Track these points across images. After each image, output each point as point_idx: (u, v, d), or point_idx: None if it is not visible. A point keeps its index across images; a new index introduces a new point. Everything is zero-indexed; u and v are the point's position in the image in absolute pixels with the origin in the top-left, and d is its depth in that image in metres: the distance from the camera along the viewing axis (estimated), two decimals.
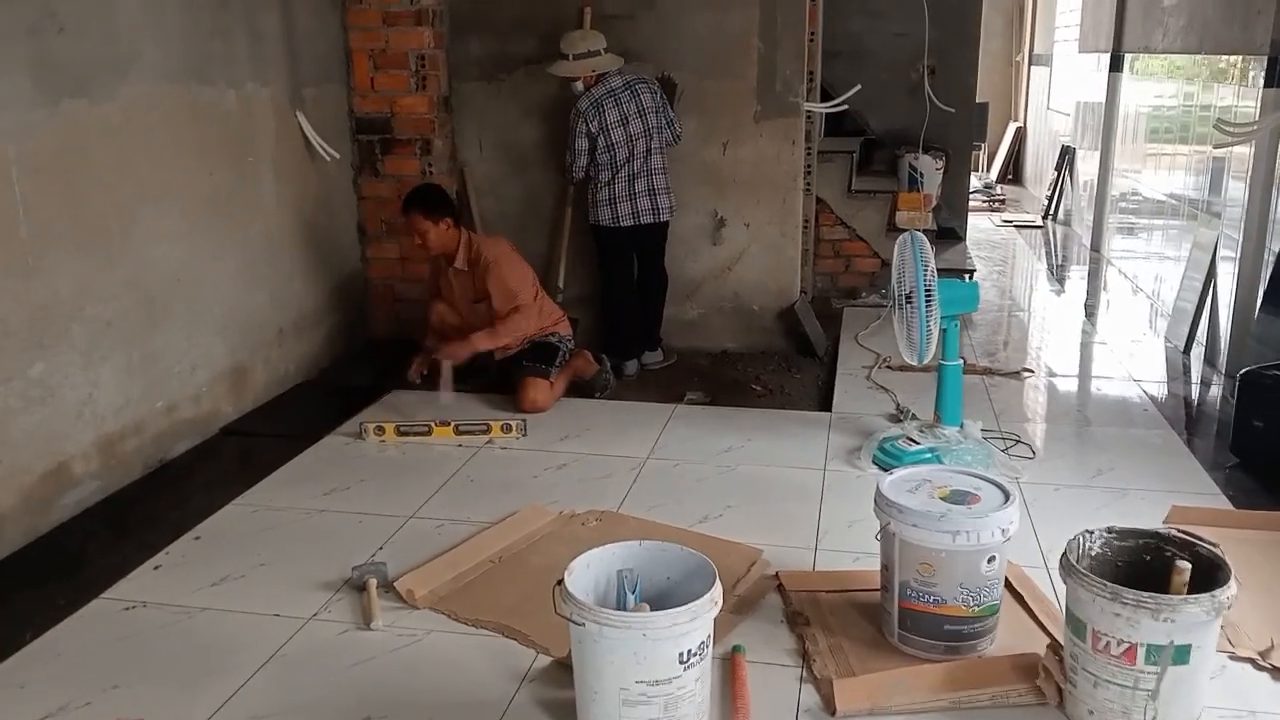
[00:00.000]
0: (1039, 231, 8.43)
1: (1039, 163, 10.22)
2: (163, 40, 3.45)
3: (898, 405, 3.99)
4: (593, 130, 4.34)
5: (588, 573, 2.11)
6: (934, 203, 5.73)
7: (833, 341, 4.96)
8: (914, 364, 3.39)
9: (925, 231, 5.67)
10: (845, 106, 5.06)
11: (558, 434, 3.77)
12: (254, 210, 4.01)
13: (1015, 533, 2.29)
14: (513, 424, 3.75)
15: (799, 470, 3.42)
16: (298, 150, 4.29)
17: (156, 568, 2.82)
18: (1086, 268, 7.05)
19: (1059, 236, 8.25)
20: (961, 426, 3.45)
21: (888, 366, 4.50)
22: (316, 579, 2.72)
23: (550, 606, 1.98)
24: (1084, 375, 4.73)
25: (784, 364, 4.72)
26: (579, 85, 4.36)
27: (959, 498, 2.32)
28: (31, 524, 2.99)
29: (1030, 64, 11.03)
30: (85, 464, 3.19)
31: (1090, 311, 5.88)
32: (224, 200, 3.82)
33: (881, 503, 2.33)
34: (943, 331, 3.35)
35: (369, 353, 4.65)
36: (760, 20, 4.55)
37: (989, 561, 2.26)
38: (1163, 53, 5.94)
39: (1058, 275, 7.07)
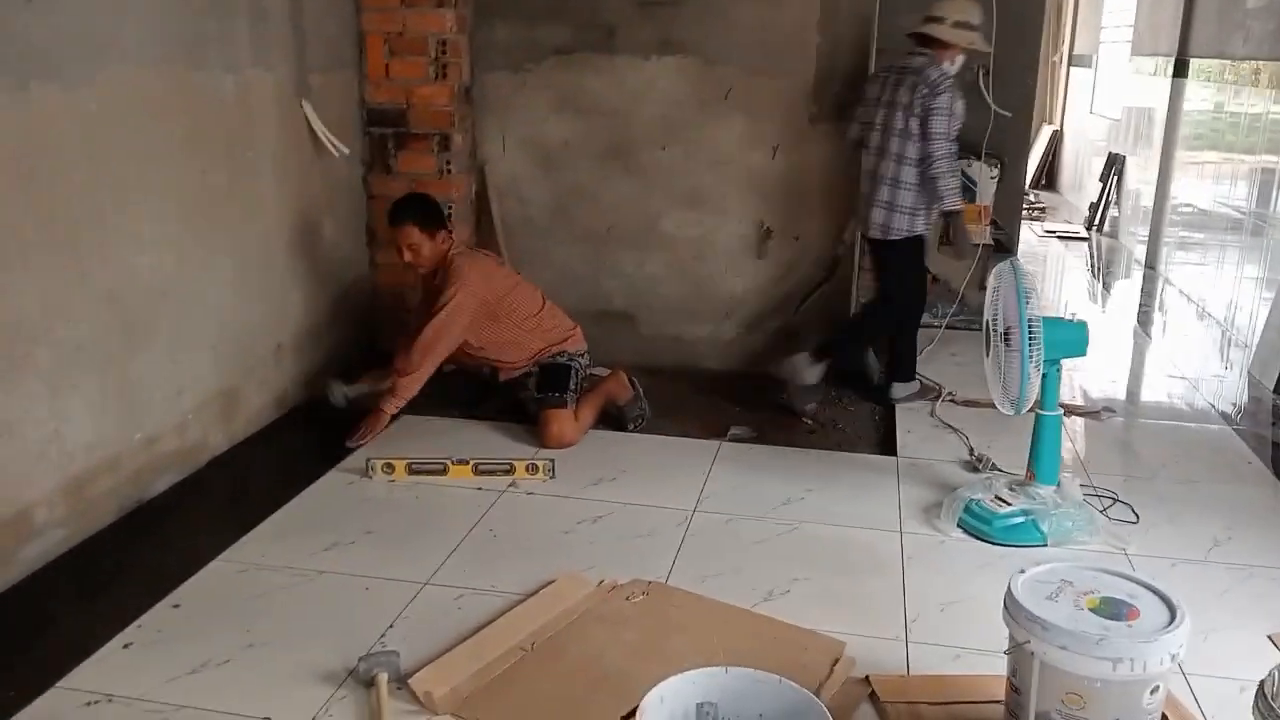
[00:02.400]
0: (1084, 243, 7.97)
1: (1078, 169, 9.76)
2: (149, 17, 2.98)
3: (971, 450, 3.55)
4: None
5: (661, 709, 1.67)
6: (991, 215, 5.27)
7: (884, 368, 4.51)
8: (1008, 413, 2.94)
9: (982, 246, 5.28)
10: None
11: (590, 476, 3.32)
12: (251, 212, 3.55)
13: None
14: (539, 464, 3.30)
15: (872, 532, 2.97)
16: (302, 144, 3.83)
17: (127, 646, 2.37)
18: (1141, 285, 6.60)
19: (1105, 249, 7.79)
20: (1058, 485, 3.00)
21: (951, 400, 4.05)
22: (315, 668, 2.28)
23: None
24: (1168, 416, 4.27)
25: (834, 393, 4.27)
26: (940, 61, 3.74)
27: (1113, 609, 1.88)
28: None
29: (1069, 65, 10.55)
30: (49, 510, 2.74)
31: (1155, 336, 5.43)
32: (217, 201, 3.36)
33: (1017, 613, 1.89)
34: (1042, 377, 2.90)
35: (376, 369, 4.18)
36: (820, 13, 4.09)
37: (1152, 693, 1.83)
38: (1244, 58, 5.48)
39: (1114, 294, 6.62)
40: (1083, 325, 2.90)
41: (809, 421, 3.95)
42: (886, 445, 3.69)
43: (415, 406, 3.90)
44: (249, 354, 3.59)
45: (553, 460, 3.31)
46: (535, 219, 4.55)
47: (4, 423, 2.57)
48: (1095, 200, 8.35)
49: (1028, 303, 2.79)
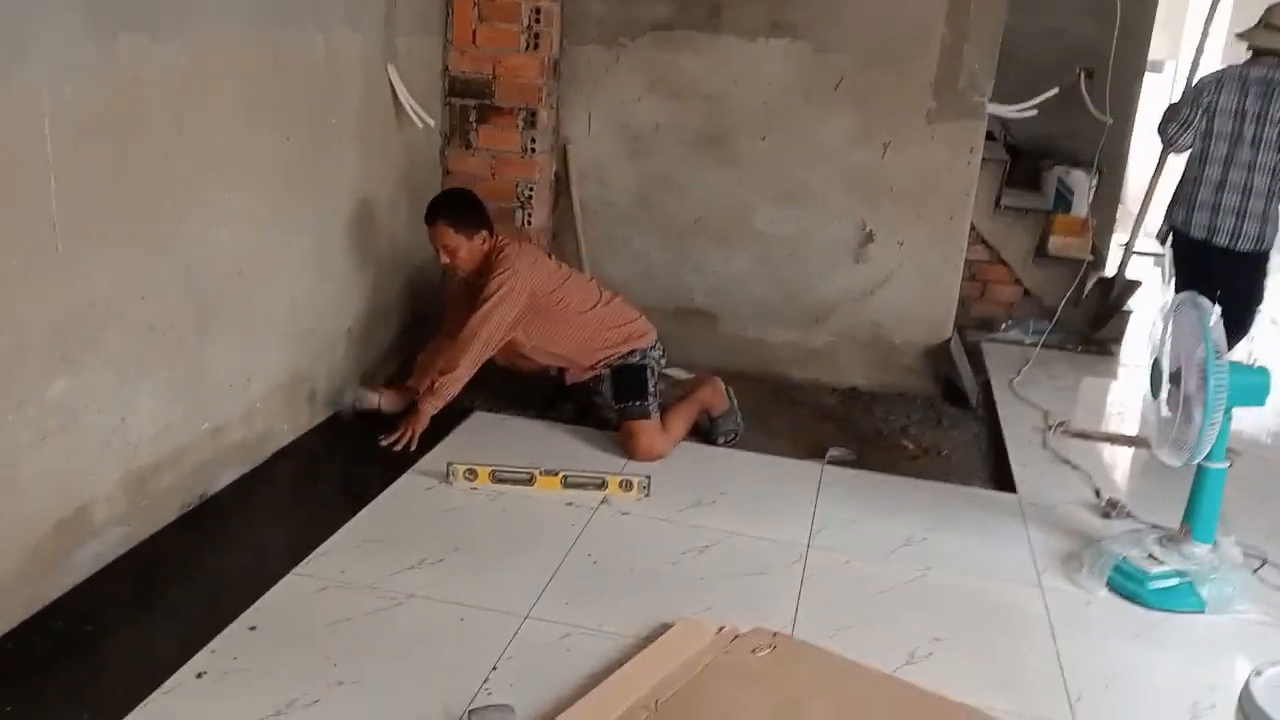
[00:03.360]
0: (1162, 259, 7.63)
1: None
2: None
3: (1098, 493, 3.27)
4: (1204, 104, 3.86)
5: None
6: (1092, 228, 4.97)
7: (981, 387, 4.23)
8: (1173, 463, 2.65)
9: (1076, 261, 4.98)
10: (1035, 111, 4.30)
11: (687, 496, 3.05)
12: (331, 185, 3.27)
13: None
14: (633, 481, 3.03)
15: (1009, 586, 2.70)
16: (385, 113, 3.53)
17: (201, 675, 2.11)
18: None
19: None
20: (1215, 544, 2.72)
21: (1064, 432, 3.77)
22: (416, 716, 2.02)
23: None
24: None
25: (930, 412, 4.00)
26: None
27: None
28: (36, 591, 2.28)
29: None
30: (109, 507, 2.48)
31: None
32: (299, 172, 3.07)
33: None
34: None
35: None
36: (950, 3, 3.77)
37: None
38: None
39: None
40: (1264, 372, 2.61)
41: (909, 445, 3.67)
42: (1001, 480, 3.41)
43: (491, 402, 3.65)
44: (319, 339, 3.32)
45: (648, 478, 3.04)
46: (617, 205, 4.26)
47: (68, 412, 2.30)
48: None
49: (1215, 350, 2.49)
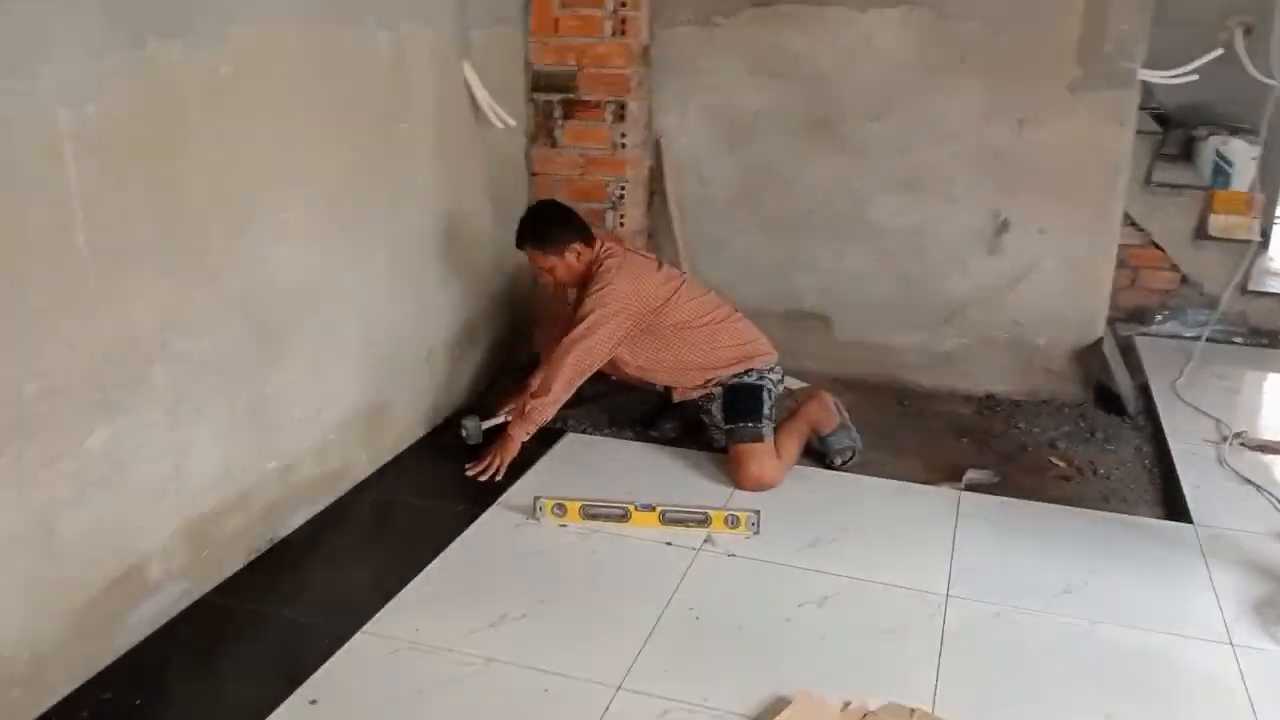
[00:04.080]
0: None
1: None
2: None
3: None
4: None
5: None
6: (1261, 204, 4.35)
7: (1139, 391, 3.72)
8: None
9: (1249, 244, 4.38)
10: (1195, 76, 3.75)
11: (802, 534, 2.68)
12: (405, 195, 3.01)
13: None
14: (740, 516, 2.68)
15: (1194, 644, 2.25)
16: (461, 114, 3.26)
17: None
18: None
19: None
20: None
21: (1243, 444, 3.25)
22: None
23: None
24: None
25: (1081, 423, 3.51)
26: None
27: None
28: (86, 658, 2.08)
29: None
30: (166, 563, 2.27)
31: None
32: (368, 182, 2.82)
33: None
34: None
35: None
36: None
37: None
38: None
39: None
40: None
41: (1059, 464, 3.22)
42: (1172, 505, 2.93)
43: (585, 419, 3.36)
44: (397, 361, 3.07)
45: (757, 513, 2.68)
46: (716, 201, 3.90)
47: (113, 462, 2.09)
48: None
49: None
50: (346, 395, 2.84)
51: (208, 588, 2.39)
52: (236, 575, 2.46)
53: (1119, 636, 2.26)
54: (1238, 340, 4.29)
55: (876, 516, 2.79)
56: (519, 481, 2.95)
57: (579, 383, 3.02)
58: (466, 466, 3.01)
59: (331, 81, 2.62)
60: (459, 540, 2.63)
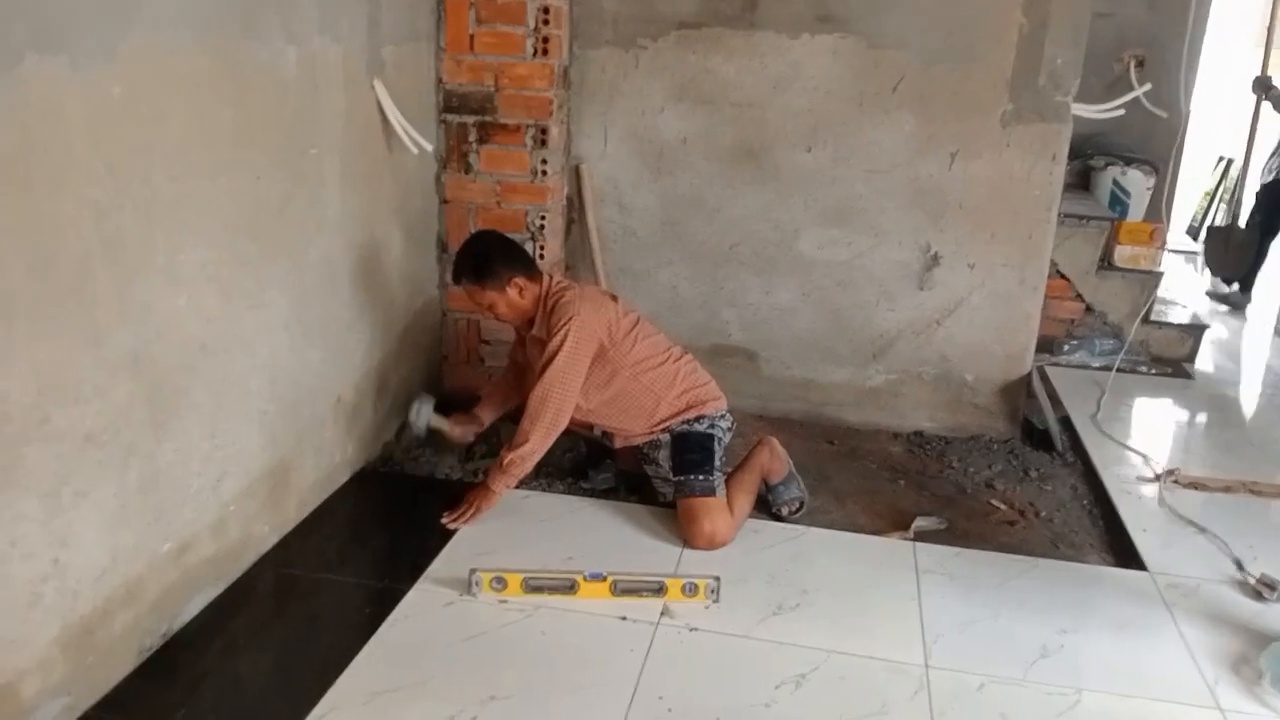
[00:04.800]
0: (1196, 258, 7.16)
1: None
2: None
3: (1239, 565, 2.75)
4: None
5: None
6: (1166, 235, 4.45)
7: (1059, 423, 3.71)
8: None
9: (1152, 274, 4.48)
10: (1122, 111, 3.77)
11: (765, 600, 2.49)
12: (312, 227, 2.69)
13: None
14: (698, 584, 2.47)
15: (1181, 710, 2.17)
16: (373, 138, 2.96)
17: None
18: None
19: None
20: None
21: (1175, 483, 3.25)
22: None
23: None
24: None
25: (1013, 460, 3.47)
26: None
27: None
28: None
29: None
30: (44, 677, 1.90)
31: None
32: (273, 215, 2.49)
33: None
34: None
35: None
36: None
37: None
38: None
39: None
40: None
41: (1001, 506, 3.15)
42: (1120, 550, 2.89)
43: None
44: (303, 415, 2.74)
45: (716, 579, 2.48)
46: (639, 232, 3.70)
47: None
48: (1203, 207, 7.54)
49: None
50: (247, 459, 2.50)
51: (94, 699, 2.03)
52: (127, 681, 2.11)
53: (1110, 707, 2.16)
54: (1143, 369, 4.36)
55: (835, 575, 2.64)
56: (446, 548, 2.67)
57: (560, 427, 2.77)
58: (443, 517, 2.76)
59: (234, 104, 2.29)
60: (385, 626, 2.32)
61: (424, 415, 2.95)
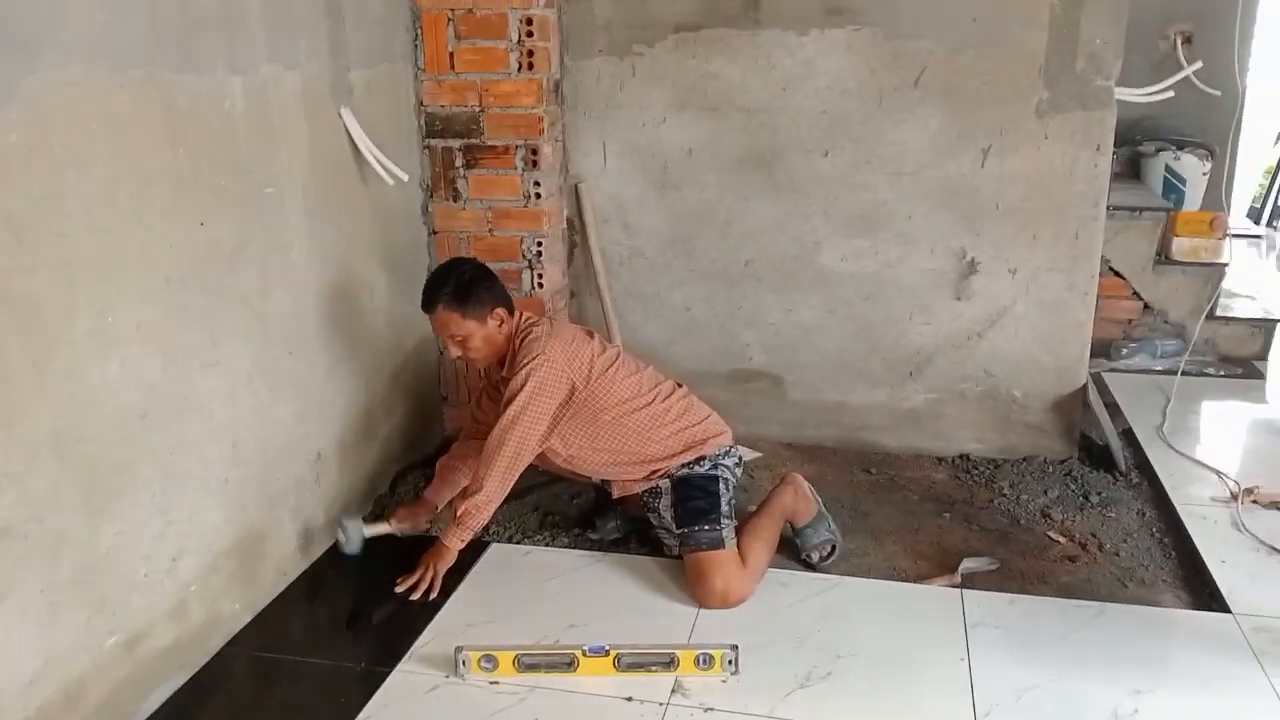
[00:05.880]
0: (1260, 243, 6.71)
1: None
2: None
3: None
4: None
5: None
6: (1227, 224, 4.07)
7: (1122, 437, 3.36)
8: None
9: (1215, 266, 4.11)
10: (1171, 93, 3.42)
11: (791, 670, 2.20)
12: (275, 273, 2.45)
13: None
14: (713, 655, 2.18)
15: None
16: (343, 170, 2.72)
17: None
18: None
19: None
20: None
21: (1255, 503, 2.89)
22: None
23: None
24: None
25: (1071, 484, 3.13)
26: None
27: None
28: None
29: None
30: None
31: None
32: (223, 264, 2.26)
33: None
34: None
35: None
36: None
37: None
38: None
39: None
40: None
41: (1060, 539, 2.81)
42: (1197, 585, 2.55)
43: (511, 524, 2.84)
44: (276, 478, 2.50)
45: (734, 648, 2.19)
46: (646, 252, 3.43)
47: None
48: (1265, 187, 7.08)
49: None
50: (209, 533, 2.26)
51: None
52: None
53: None
54: (1210, 371, 3.99)
55: (872, 636, 2.33)
56: (436, 618, 2.41)
57: (517, 473, 2.51)
58: (396, 581, 2.50)
59: (170, 143, 2.06)
60: (363, 716, 2.07)
61: (354, 535, 2.63)
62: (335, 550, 2.69)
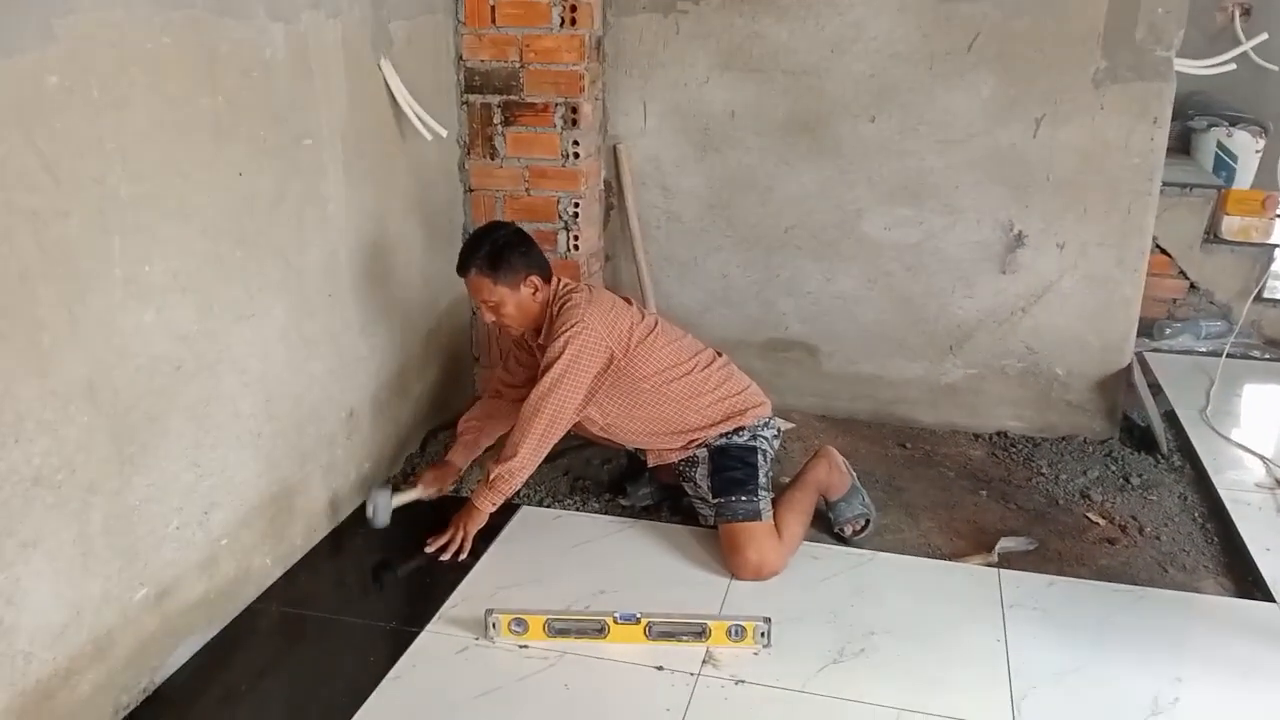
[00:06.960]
0: None
1: None
2: None
3: None
4: None
5: None
6: (1277, 204, 3.96)
7: (1164, 419, 3.29)
8: None
9: (1265, 247, 4.00)
10: (1233, 66, 3.31)
11: (824, 645, 2.16)
12: (312, 227, 2.41)
13: None
14: (745, 626, 2.15)
15: None
16: (382, 123, 2.67)
17: None
18: None
19: None
20: None
21: None
22: None
23: None
24: None
25: (1112, 465, 3.06)
26: None
27: None
28: None
29: None
30: None
31: None
32: (261, 216, 2.22)
33: None
34: None
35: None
36: None
37: None
38: None
39: None
40: None
41: (1099, 521, 2.76)
42: (1240, 572, 2.49)
43: (543, 488, 2.82)
44: (307, 433, 2.48)
45: (767, 620, 2.16)
46: (684, 216, 3.37)
47: None
48: None
49: None
50: (241, 487, 2.25)
51: None
52: None
53: None
54: (1256, 354, 3.90)
55: (907, 612, 2.29)
56: (465, 579, 2.39)
57: (552, 442, 2.48)
58: (427, 542, 2.49)
59: (210, 90, 2.02)
60: (388, 679, 2.05)
61: (381, 509, 2.54)
62: (360, 513, 2.67)
